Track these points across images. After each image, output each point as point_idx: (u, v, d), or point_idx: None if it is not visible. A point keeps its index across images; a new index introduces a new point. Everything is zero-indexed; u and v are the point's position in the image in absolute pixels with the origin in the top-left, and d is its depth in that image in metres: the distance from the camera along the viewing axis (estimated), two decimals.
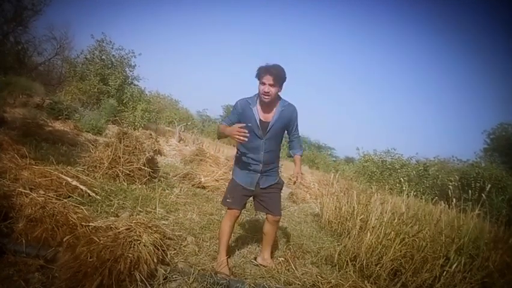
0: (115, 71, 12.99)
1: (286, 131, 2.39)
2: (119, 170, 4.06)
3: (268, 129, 2.24)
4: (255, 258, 2.61)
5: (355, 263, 2.75)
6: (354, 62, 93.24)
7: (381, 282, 2.54)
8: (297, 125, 2.38)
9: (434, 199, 3.77)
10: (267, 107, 2.23)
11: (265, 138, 2.26)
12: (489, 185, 3.64)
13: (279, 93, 2.25)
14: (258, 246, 2.99)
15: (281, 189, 2.50)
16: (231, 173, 2.81)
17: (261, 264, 2.51)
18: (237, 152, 2.40)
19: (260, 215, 4.28)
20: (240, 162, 2.36)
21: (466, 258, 2.58)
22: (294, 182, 2.44)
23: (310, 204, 6.12)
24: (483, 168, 11.47)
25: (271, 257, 2.61)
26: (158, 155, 7.36)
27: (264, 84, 2.14)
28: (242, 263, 2.54)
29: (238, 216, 2.43)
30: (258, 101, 2.24)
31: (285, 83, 2.23)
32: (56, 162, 3.57)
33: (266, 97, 2.15)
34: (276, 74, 2.13)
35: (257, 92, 2.22)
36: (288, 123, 2.32)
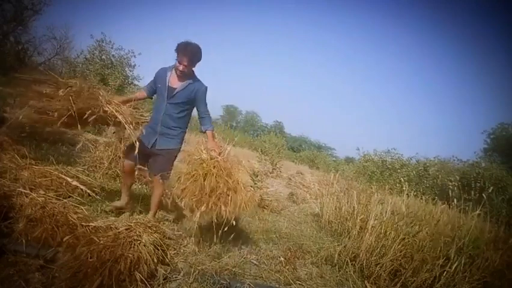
0: (114, 71, 12.95)
1: (196, 108, 2.70)
2: (120, 170, 4.06)
3: (173, 94, 2.58)
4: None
5: (355, 263, 2.75)
6: (356, 62, 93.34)
7: (381, 282, 2.54)
8: (205, 103, 2.70)
9: (434, 199, 3.76)
10: (179, 77, 2.57)
11: (168, 101, 2.60)
12: (491, 187, 3.56)
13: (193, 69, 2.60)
14: (258, 246, 2.99)
15: (174, 155, 2.71)
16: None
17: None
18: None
19: (259, 215, 4.29)
20: (149, 121, 2.74)
21: (466, 258, 2.58)
22: (219, 154, 2.53)
23: (310, 204, 6.11)
24: (483, 169, 11.44)
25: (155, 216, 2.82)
26: None
27: (180, 63, 2.48)
28: (242, 263, 2.54)
29: (132, 170, 2.76)
30: (173, 70, 2.59)
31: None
32: (56, 162, 3.56)
33: (179, 73, 2.54)
34: (191, 57, 2.48)
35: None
36: (194, 98, 2.64)
